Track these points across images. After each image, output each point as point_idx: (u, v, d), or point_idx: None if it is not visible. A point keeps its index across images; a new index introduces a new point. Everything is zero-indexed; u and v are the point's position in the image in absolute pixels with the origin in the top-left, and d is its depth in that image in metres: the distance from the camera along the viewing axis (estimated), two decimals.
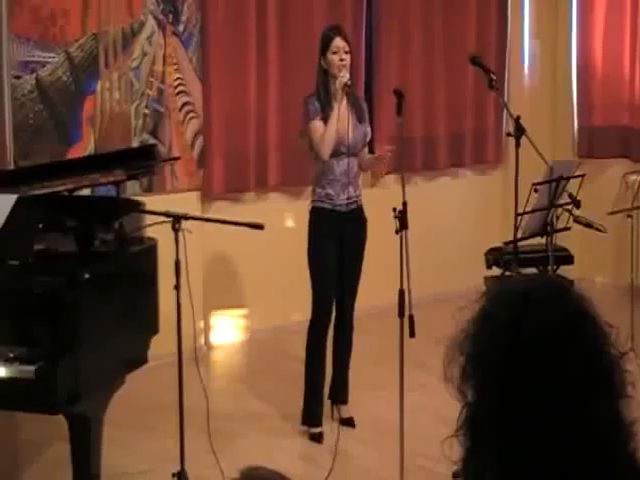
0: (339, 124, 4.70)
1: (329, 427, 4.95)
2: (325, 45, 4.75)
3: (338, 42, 4.72)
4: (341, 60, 4.70)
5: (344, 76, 4.67)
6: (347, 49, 4.73)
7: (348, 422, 5.00)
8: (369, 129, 4.99)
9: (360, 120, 4.87)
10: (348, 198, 4.84)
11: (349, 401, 5.10)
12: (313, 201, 4.89)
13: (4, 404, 3.38)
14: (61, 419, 3.40)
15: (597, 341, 1.39)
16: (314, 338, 4.89)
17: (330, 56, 4.72)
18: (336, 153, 4.77)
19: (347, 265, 4.90)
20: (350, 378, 5.10)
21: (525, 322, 1.38)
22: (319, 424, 4.90)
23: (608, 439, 1.35)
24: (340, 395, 5.06)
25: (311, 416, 4.91)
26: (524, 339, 1.37)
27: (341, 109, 4.72)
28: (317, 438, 4.86)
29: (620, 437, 1.37)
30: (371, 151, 6.83)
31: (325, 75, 4.77)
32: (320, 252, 4.83)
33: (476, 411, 1.41)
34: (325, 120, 4.73)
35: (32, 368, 3.07)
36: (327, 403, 5.08)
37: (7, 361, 3.12)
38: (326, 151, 4.72)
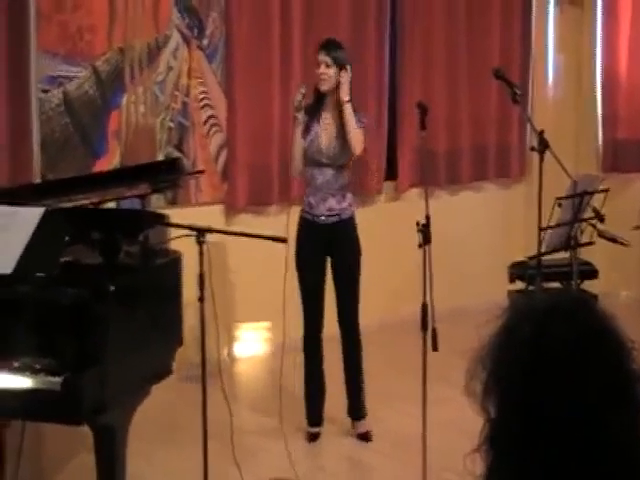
0: (323, 135, 4.85)
1: (349, 442, 5.00)
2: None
3: (320, 57, 4.87)
4: (320, 74, 4.83)
5: (296, 96, 4.80)
6: (328, 63, 4.83)
7: (364, 437, 5.03)
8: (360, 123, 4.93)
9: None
10: (328, 210, 4.87)
11: (367, 415, 5.09)
12: (300, 210, 5.00)
13: (30, 415, 3.41)
14: (86, 430, 3.42)
15: (619, 357, 1.39)
16: (307, 350, 5.00)
17: (315, 69, 4.89)
18: (316, 163, 4.86)
19: (340, 283, 4.95)
20: (373, 391, 5.10)
21: (548, 338, 1.38)
22: (316, 424, 5.04)
23: (629, 455, 1.35)
24: (356, 412, 5.08)
25: (309, 418, 5.06)
26: (547, 354, 1.37)
27: (326, 121, 4.88)
28: (311, 437, 5.01)
29: None
30: (391, 166, 6.91)
31: (316, 88, 4.93)
32: (300, 263, 4.92)
33: (498, 427, 1.41)
34: (304, 135, 4.85)
35: (58, 379, 3.09)
36: (339, 413, 5.10)
37: (33, 372, 3.15)
38: (292, 169, 4.97)
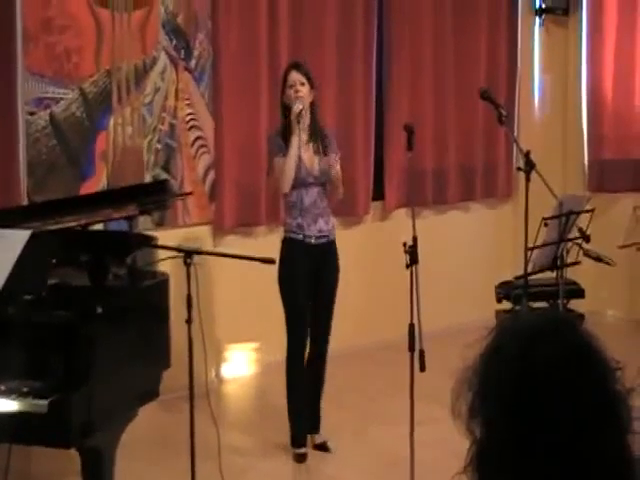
0: (305, 155, 4.87)
1: (335, 461, 5.01)
2: (283, 81, 4.95)
3: (293, 76, 4.91)
4: (296, 92, 4.86)
5: (297, 106, 4.82)
6: (303, 81, 4.89)
7: (322, 447, 5.12)
8: (334, 155, 5.02)
9: (325, 152, 4.97)
10: (319, 231, 4.94)
11: (321, 429, 5.18)
12: (285, 232, 5.01)
13: (18, 438, 3.39)
14: (74, 453, 3.41)
15: (603, 376, 1.40)
16: (291, 370, 5.00)
17: (287, 90, 4.91)
18: (304, 183, 4.89)
19: (320, 300, 5.00)
20: (361, 411, 5.10)
21: (533, 358, 1.39)
22: (302, 445, 5.04)
23: (615, 473, 1.36)
24: (313, 425, 5.16)
25: (296, 439, 5.05)
26: (533, 374, 1.38)
27: (303, 141, 4.88)
28: (300, 458, 5.00)
29: (627, 471, 1.38)
30: (378, 186, 6.94)
31: (287, 111, 4.92)
32: (291, 284, 4.92)
33: (485, 447, 1.42)
34: (285, 155, 4.87)
35: (45, 402, 3.08)
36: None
37: (21, 395, 3.14)
38: (285, 184, 4.88)
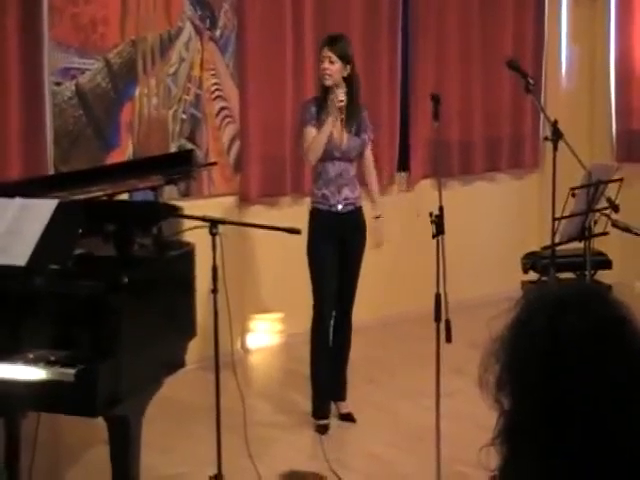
0: (334, 130, 4.89)
1: (360, 433, 5.03)
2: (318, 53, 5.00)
3: (324, 52, 4.93)
4: (322, 70, 4.90)
5: (338, 97, 4.83)
6: (333, 59, 4.89)
7: (347, 417, 5.14)
8: (366, 137, 5.07)
9: (357, 133, 4.99)
10: (345, 199, 4.97)
11: (347, 398, 5.21)
12: (311, 202, 5.05)
13: (45, 407, 3.42)
14: (101, 422, 3.43)
15: (633, 346, 1.38)
16: (318, 337, 5.02)
17: (319, 64, 4.95)
18: (330, 157, 4.93)
19: (346, 267, 5.02)
20: (387, 383, 5.10)
21: (562, 329, 1.38)
22: (325, 417, 5.06)
23: None
24: (339, 392, 5.18)
25: (318, 410, 5.07)
26: (561, 346, 1.37)
27: (335, 118, 4.90)
28: (322, 430, 5.01)
29: None
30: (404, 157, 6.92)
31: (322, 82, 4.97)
32: (318, 253, 4.95)
33: (513, 419, 1.41)
34: (318, 127, 4.89)
35: (72, 371, 3.10)
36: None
37: (48, 364, 3.15)
38: (312, 157, 4.91)
